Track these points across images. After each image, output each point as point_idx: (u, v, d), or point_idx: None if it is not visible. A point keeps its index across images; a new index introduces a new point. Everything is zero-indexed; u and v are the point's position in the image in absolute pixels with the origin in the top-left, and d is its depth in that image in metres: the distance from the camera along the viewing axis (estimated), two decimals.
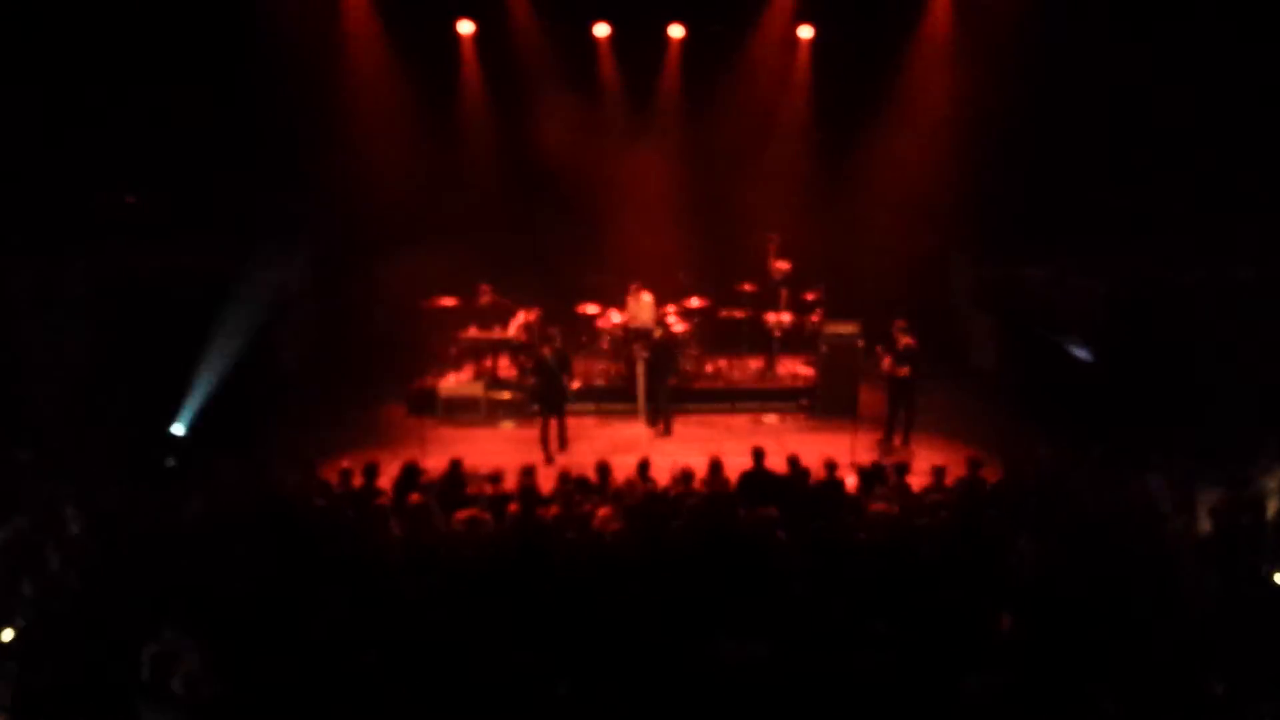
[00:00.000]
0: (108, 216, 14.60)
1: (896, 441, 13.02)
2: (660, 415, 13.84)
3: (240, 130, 14.17)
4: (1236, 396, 11.55)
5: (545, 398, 13.14)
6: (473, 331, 14.71)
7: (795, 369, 15.44)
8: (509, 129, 16.23)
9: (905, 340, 12.77)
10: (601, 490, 9.38)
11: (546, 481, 9.79)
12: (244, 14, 13.52)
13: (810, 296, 15.07)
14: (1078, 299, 14.36)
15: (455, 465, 10.03)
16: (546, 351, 13.10)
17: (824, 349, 14.11)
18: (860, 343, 13.33)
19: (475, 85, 16.31)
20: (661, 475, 9.97)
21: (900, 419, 13.03)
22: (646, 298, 14.77)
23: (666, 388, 13.87)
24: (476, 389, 14.28)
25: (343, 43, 15.41)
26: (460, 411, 14.04)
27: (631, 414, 14.16)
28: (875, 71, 16.09)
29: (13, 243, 12.88)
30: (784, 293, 15.08)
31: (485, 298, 14.87)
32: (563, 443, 13.14)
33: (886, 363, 12.82)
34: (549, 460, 12.57)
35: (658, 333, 13.86)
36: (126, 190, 15.03)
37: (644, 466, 9.91)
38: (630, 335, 14.36)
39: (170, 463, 10.72)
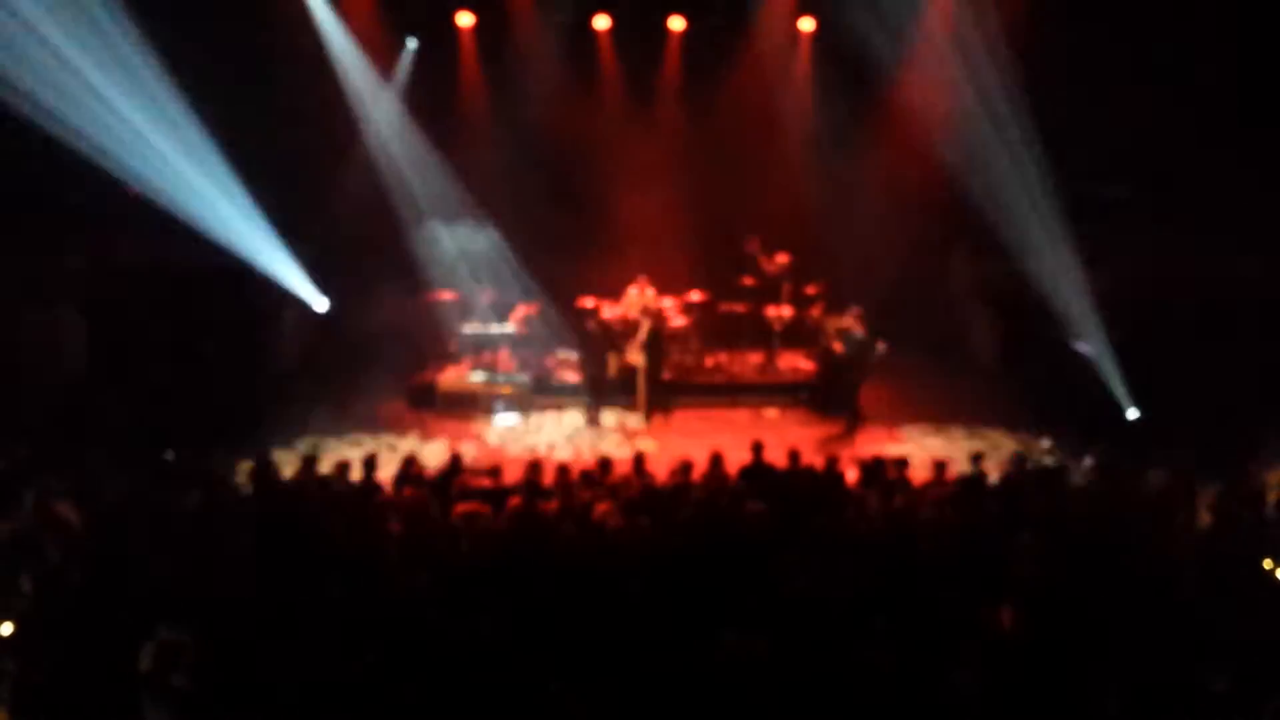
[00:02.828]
0: (108, 210, 14.56)
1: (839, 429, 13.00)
2: (655, 408, 13.71)
3: (237, 123, 14.13)
4: (1237, 391, 11.55)
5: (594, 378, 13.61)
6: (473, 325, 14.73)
7: (796, 363, 15.42)
8: (508, 122, 16.21)
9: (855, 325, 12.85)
10: (603, 484, 9.37)
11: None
12: (241, 8, 13.49)
13: (811, 290, 15.05)
14: (1080, 293, 14.34)
15: (455, 459, 10.04)
16: (591, 325, 13.15)
17: (838, 347, 13.92)
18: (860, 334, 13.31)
19: (474, 77, 16.27)
20: (661, 470, 9.97)
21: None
22: (650, 292, 14.75)
23: (660, 381, 13.76)
24: (476, 383, 14.27)
25: (341, 33, 15.37)
26: (460, 405, 14.03)
27: (631, 408, 14.14)
28: (876, 64, 16.05)
29: (8, 237, 12.85)
30: (786, 286, 15.07)
31: (488, 297, 14.87)
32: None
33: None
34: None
35: (646, 324, 13.72)
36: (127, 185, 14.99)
37: (640, 461, 9.91)
38: (630, 329, 14.33)
39: (169, 456, 10.70)
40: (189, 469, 9.90)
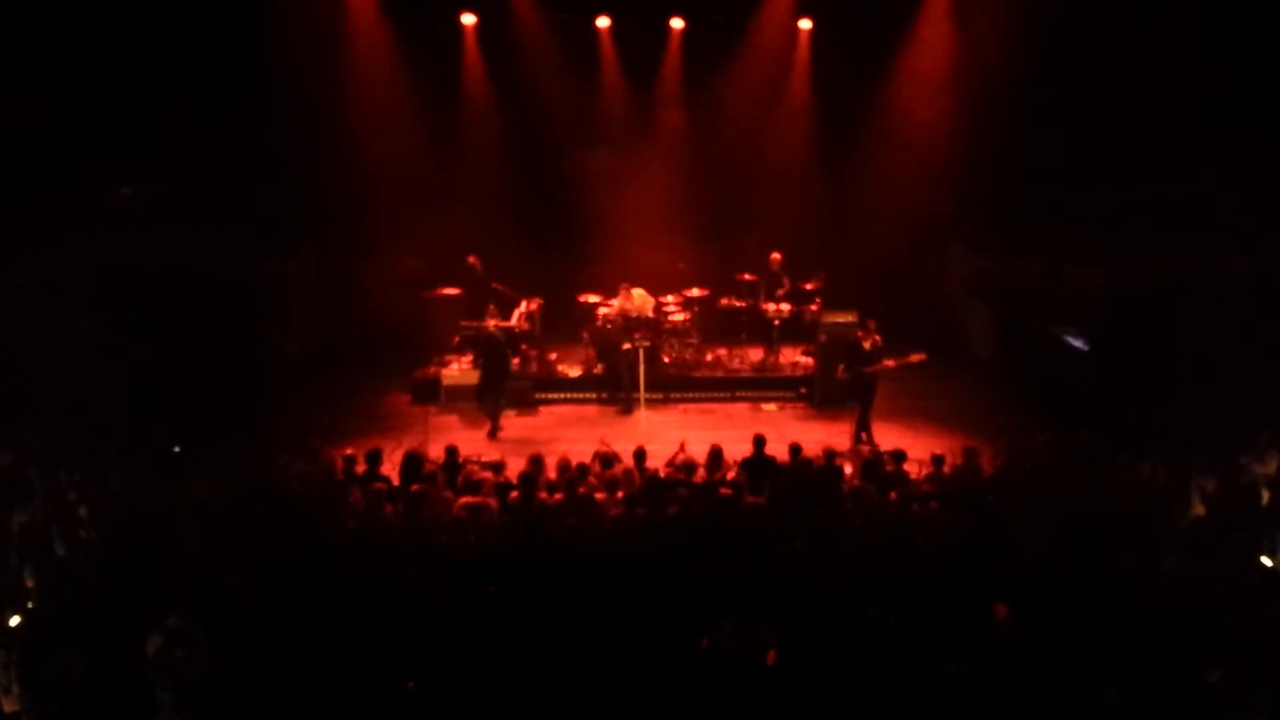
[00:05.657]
0: (109, 207, 14.66)
1: (862, 437, 12.98)
2: (492, 414, 13.42)
3: (243, 120, 14.23)
4: (1231, 385, 11.62)
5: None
6: (491, 321, 14.76)
7: (794, 358, 15.51)
8: (511, 121, 16.31)
9: (875, 339, 12.74)
10: (604, 478, 9.45)
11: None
12: (248, 4, 13.59)
13: (810, 286, 15.12)
14: (1074, 289, 14.43)
15: (451, 452, 10.13)
16: (599, 320, 13.29)
17: (823, 338, 14.16)
18: (859, 332, 13.32)
19: (478, 77, 16.36)
20: (660, 464, 10.08)
21: (860, 417, 12.85)
22: (637, 292, 14.82)
23: (498, 386, 13.49)
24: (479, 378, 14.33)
25: (347, 34, 15.46)
26: (463, 400, 14.09)
27: (635, 403, 14.26)
28: (874, 63, 16.16)
29: (17, 233, 12.94)
30: (785, 281, 15.14)
31: (477, 267, 14.97)
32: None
33: (840, 370, 12.87)
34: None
35: (491, 325, 13.44)
36: (124, 181, 15.10)
37: (640, 455, 10.00)
38: (631, 325, 14.42)
39: (176, 449, 10.80)
40: (196, 462, 9.99)
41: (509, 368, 13.54)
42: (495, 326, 13.37)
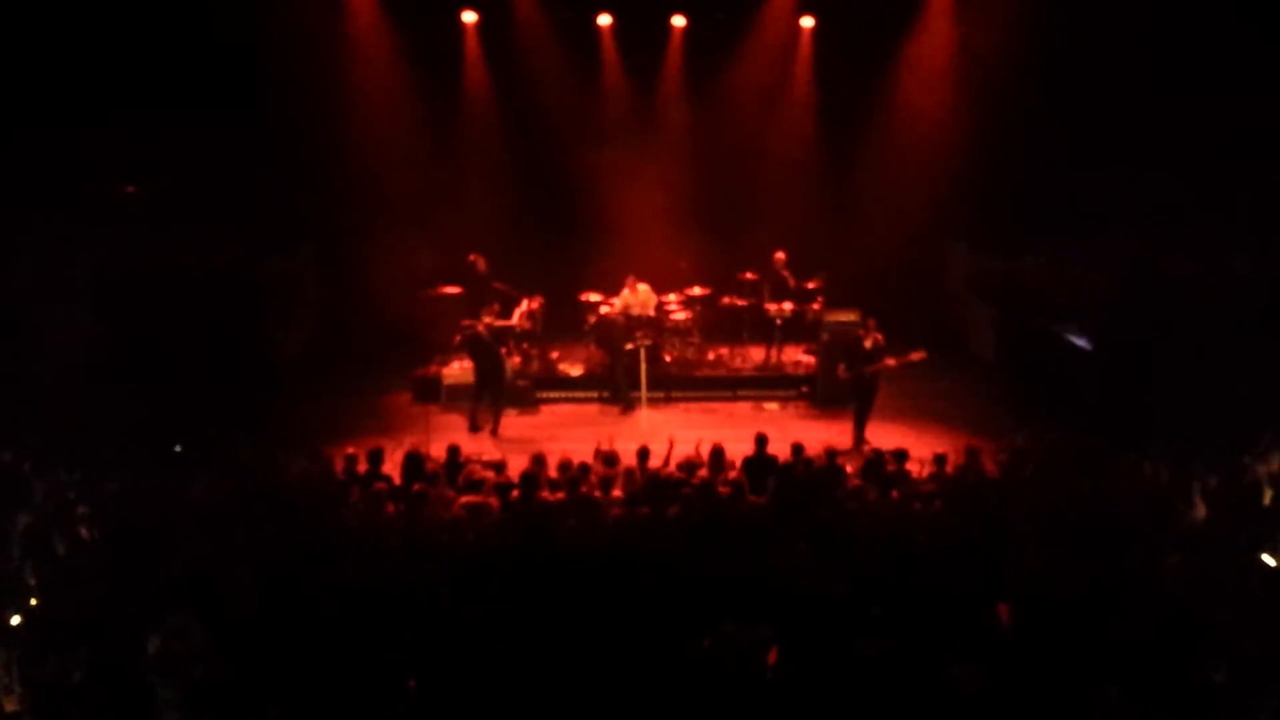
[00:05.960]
0: (111, 207, 14.68)
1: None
2: (490, 413, 13.40)
3: (245, 120, 14.24)
4: (1233, 385, 11.61)
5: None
6: (485, 320, 14.77)
7: (796, 357, 15.49)
8: (512, 119, 16.32)
9: (875, 337, 12.71)
10: (606, 477, 9.45)
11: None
12: (248, 2, 13.59)
13: (812, 285, 15.11)
14: (1076, 288, 14.42)
15: (453, 451, 10.12)
16: (600, 319, 13.32)
17: (825, 337, 14.16)
18: (861, 331, 13.29)
19: (479, 75, 16.37)
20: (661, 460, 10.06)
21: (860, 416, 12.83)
22: (643, 287, 14.82)
23: (495, 385, 13.42)
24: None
25: (348, 32, 15.48)
26: (464, 399, 14.09)
27: (635, 402, 14.25)
28: (876, 61, 16.16)
29: (17, 233, 12.94)
30: (790, 281, 15.11)
31: (480, 266, 14.95)
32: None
33: (842, 369, 12.85)
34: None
35: (481, 326, 13.32)
36: (128, 181, 15.11)
37: (643, 454, 9.98)
38: (632, 323, 14.42)
39: (177, 449, 10.80)
40: (197, 461, 9.99)
41: (501, 367, 13.47)
42: (486, 326, 13.30)
